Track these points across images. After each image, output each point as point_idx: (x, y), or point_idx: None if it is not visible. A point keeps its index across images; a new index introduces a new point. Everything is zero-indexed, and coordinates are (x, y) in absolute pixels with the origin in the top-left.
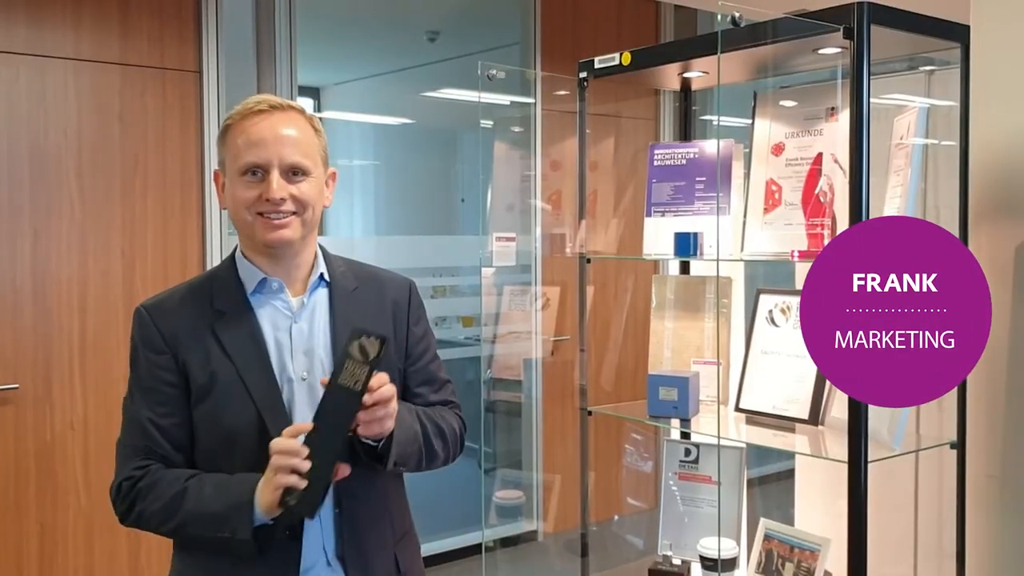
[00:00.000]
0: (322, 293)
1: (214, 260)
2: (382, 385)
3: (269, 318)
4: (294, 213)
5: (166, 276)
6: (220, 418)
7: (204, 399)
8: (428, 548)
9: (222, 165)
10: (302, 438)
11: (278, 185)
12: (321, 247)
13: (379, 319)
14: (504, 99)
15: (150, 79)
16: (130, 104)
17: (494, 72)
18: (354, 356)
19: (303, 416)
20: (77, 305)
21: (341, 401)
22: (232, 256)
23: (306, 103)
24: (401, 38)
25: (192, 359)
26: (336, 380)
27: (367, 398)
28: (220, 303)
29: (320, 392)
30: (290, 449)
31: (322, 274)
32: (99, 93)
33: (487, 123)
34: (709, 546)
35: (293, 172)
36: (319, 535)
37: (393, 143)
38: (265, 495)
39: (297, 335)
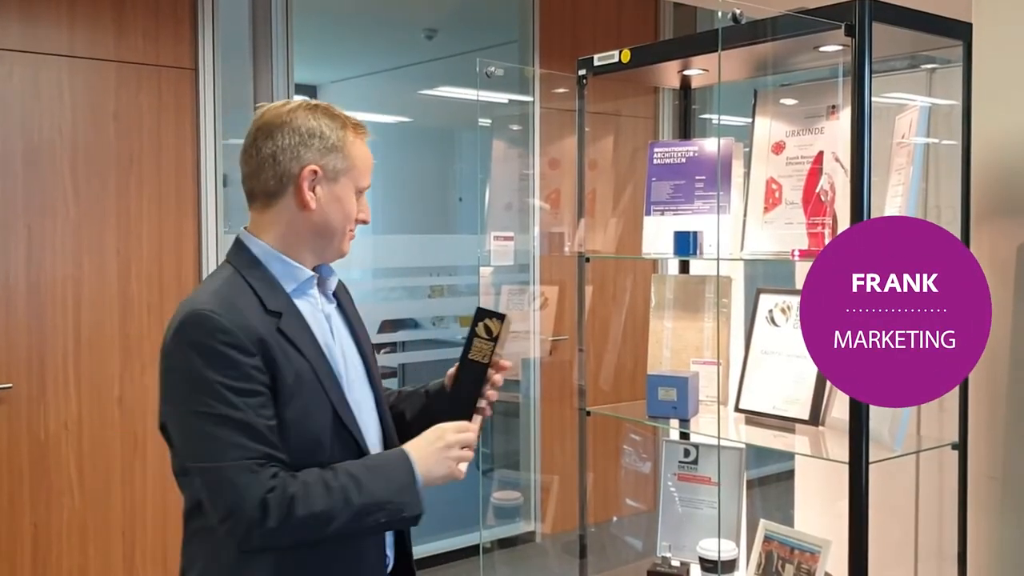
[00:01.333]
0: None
1: (209, 258)
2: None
3: (311, 316)
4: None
5: (161, 275)
6: (308, 417)
7: (292, 400)
8: (425, 549)
9: (331, 171)
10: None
11: (366, 209)
12: None
13: (355, 308)
14: (502, 97)
15: (145, 77)
16: (125, 102)
17: (493, 70)
18: (480, 335)
19: (354, 405)
20: (71, 304)
21: (472, 375)
22: (250, 255)
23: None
24: (398, 36)
25: (278, 361)
26: (467, 357)
27: (491, 373)
28: (271, 304)
29: (360, 384)
30: (466, 427)
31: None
32: (94, 90)
33: (485, 121)
34: (709, 548)
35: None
36: None
37: (390, 142)
38: (439, 471)
39: (335, 331)
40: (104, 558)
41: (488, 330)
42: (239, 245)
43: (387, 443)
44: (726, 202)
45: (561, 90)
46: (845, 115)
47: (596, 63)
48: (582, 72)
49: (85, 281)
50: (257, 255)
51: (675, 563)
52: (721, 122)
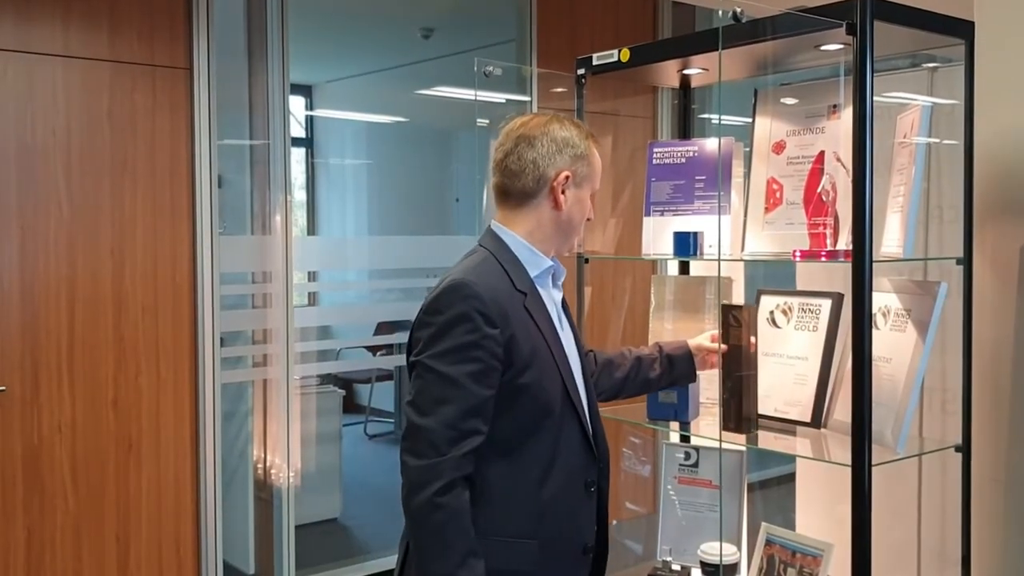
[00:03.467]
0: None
1: (204, 259)
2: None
3: (548, 300)
4: None
5: (155, 276)
6: (542, 387)
7: (527, 370)
8: None
9: (579, 176)
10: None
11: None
12: None
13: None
14: (500, 97)
15: (140, 76)
16: (119, 102)
17: (491, 69)
18: (732, 324)
19: (572, 382)
20: (65, 305)
21: (733, 357)
22: (500, 242)
23: (298, 101)
24: (395, 35)
25: (518, 334)
26: (728, 342)
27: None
28: (519, 284)
29: (576, 368)
30: None
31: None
32: (88, 90)
33: (483, 121)
34: (710, 551)
35: None
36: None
37: (386, 142)
38: None
39: (563, 317)
40: (98, 562)
41: (737, 319)
42: (492, 234)
43: (594, 431)
44: (726, 202)
45: (559, 89)
46: (846, 114)
47: (595, 62)
48: (581, 71)
49: (79, 282)
50: (508, 243)
51: (676, 567)
52: (721, 121)
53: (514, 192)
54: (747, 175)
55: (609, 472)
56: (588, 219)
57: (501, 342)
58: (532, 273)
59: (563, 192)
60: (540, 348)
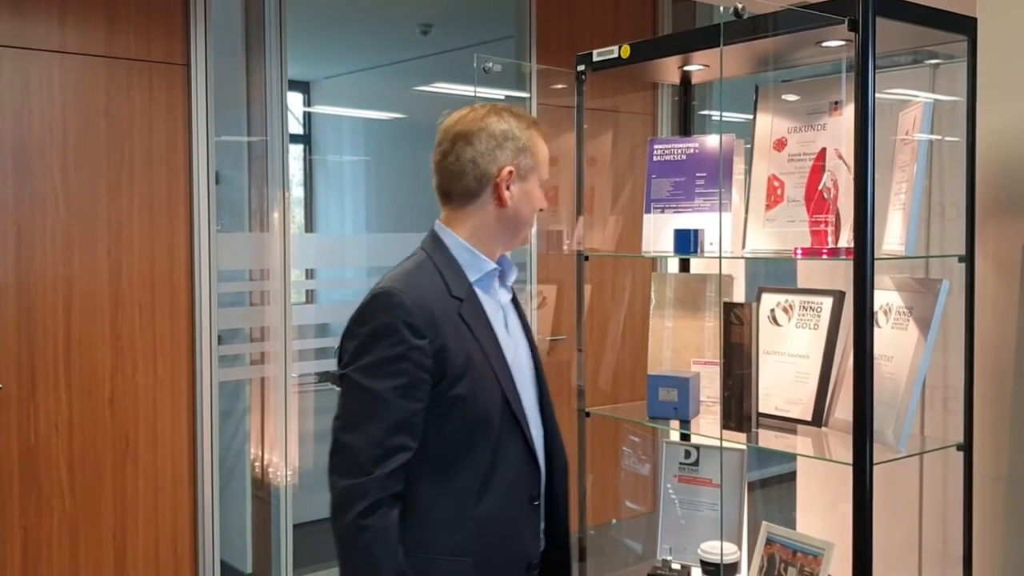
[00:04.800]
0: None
1: (202, 257)
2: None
3: (488, 305)
4: None
5: (152, 274)
6: (476, 399)
7: (460, 381)
8: None
9: (523, 169)
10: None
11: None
12: None
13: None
14: (499, 93)
15: (137, 73)
16: (116, 98)
17: (490, 65)
18: (733, 322)
19: (524, 395)
20: (62, 304)
21: (734, 355)
22: (441, 244)
23: (295, 98)
24: (393, 31)
25: (450, 344)
26: (729, 340)
27: None
28: (455, 289)
29: (528, 375)
30: None
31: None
32: (84, 87)
33: None
34: (710, 550)
35: None
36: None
37: (385, 138)
38: None
39: (510, 322)
40: (95, 561)
41: (739, 317)
42: (433, 236)
43: (548, 438)
44: (727, 199)
45: (559, 86)
46: (848, 111)
47: (595, 58)
48: (581, 68)
49: (75, 280)
50: (448, 245)
51: (676, 566)
52: (722, 118)
53: (456, 193)
54: (748, 172)
55: (565, 481)
56: (540, 209)
57: (430, 353)
58: (472, 277)
59: (507, 188)
60: (476, 357)
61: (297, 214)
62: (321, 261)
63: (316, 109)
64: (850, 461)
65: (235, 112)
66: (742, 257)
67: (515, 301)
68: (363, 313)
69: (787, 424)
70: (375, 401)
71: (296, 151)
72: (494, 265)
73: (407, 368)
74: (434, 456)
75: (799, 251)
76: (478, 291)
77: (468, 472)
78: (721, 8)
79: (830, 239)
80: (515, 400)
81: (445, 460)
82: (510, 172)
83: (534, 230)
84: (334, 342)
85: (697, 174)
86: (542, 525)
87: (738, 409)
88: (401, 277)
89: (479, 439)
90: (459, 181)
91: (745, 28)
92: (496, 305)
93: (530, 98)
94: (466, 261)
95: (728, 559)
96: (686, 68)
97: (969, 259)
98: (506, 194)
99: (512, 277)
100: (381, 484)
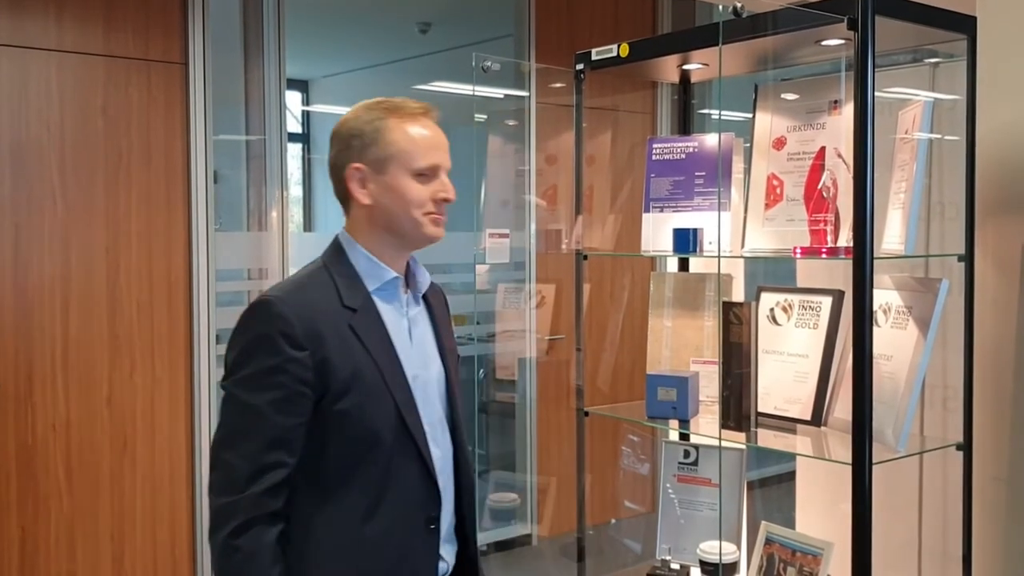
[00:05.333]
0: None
1: (200, 256)
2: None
3: (390, 316)
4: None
5: (151, 273)
6: (363, 415)
7: (344, 396)
8: None
9: (374, 163)
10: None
11: (447, 185)
12: None
13: (448, 319)
14: (498, 92)
15: (135, 71)
16: (114, 97)
17: (489, 64)
18: (732, 321)
19: (422, 411)
20: (59, 303)
21: (733, 354)
22: (340, 252)
23: (294, 96)
24: (391, 30)
25: (334, 357)
26: (728, 340)
27: None
28: (348, 299)
29: (434, 390)
30: None
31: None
32: (82, 86)
33: (481, 117)
34: (710, 550)
35: (447, 174)
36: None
37: None
38: None
39: (414, 333)
40: (93, 562)
41: (738, 317)
42: (334, 244)
43: (457, 458)
44: (726, 198)
45: (558, 85)
46: (847, 110)
47: (594, 57)
48: (579, 66)
49: (73, 280)
50: (348, 254)
51: (675, 566)
52: (721, 117)
53: (338, 199)
54: (747, 171)
55: (471, 504)
56: (445, 200)
57: (310, 365)
58: (372, 286)
59: (363, 186)
60: (365, 371)
61: (295, 213)
62: None
63: (314, 108)
64: (849, 461)
65: (233, 111)
66: (741, 256)
67: (431, 311)
68: (242, 323)
69: (786, 424)
70: (251, 415)
71: (294, 150)
72: (394, 274)
73: (284, 381)
74: (321, 474)
75: (798, 250)
76: (378, 301)
77: (357, 492)
78: (720, 7)
79: (829, 238)
80: (412, 417)
81: (332, 479)
82: (356, 169)
83: (536, 229)
84: None
85: (696, 173)
86: (449, 548)
87: (737, 408)
88: (287, 285)
89: (368, 457)
90: (334, 187)
91: (744, 27)
92: (400, 316)
93: (529, 97)
94: (365, 269)
95: (727, 559)
96: (685, 67)
97: (969, 258)
98: (360, 193)
99: (424, 286)
100: (254, 502)
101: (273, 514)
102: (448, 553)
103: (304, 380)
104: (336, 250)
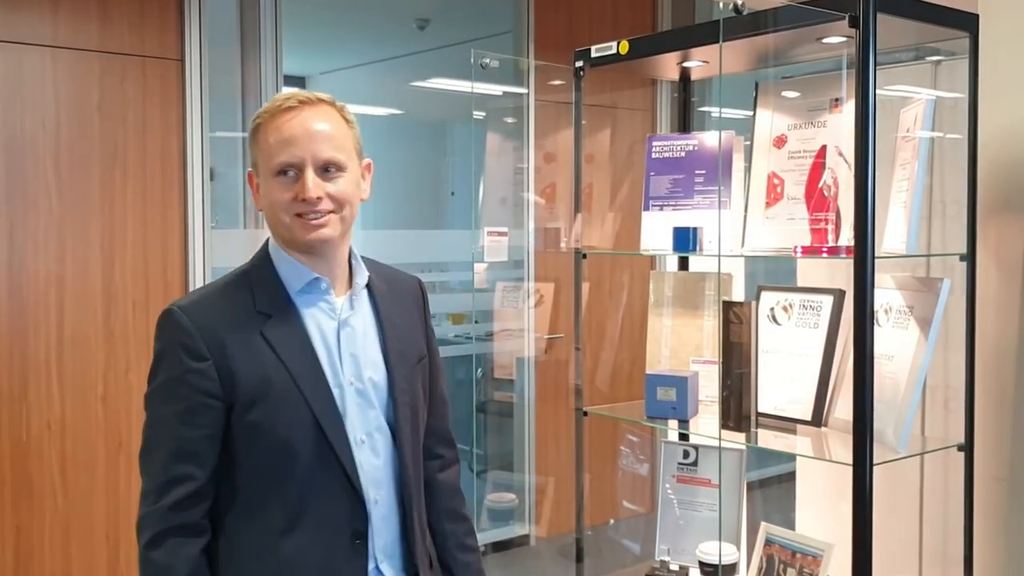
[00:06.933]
0: (365, 294)
1: (196, 254)
2: None
3: (316, 320)
4: (332, 211)
5: (147, 270)
6: (275, 427)
7: (253, 408)
8: None
9: (255, 166)
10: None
11: (313, 184)
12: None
13: (409, 319)
14: (497, 89)
15: (130, 67)
16: (110, 93)
17: (488, 61)
18: (732, 321)
19: (352, 421)
20: (54, 301)
21: (733, 354)
22: (266, 253)
23: None
24: (390, 26)
25: (239, 366)
26: (728, 339)
27: None
28: (263, 305)
29: (372, 396)
30: None
31: (368, 278)
32: (78, 81)
33: (479, 114)
34: (709, 551)
35: (326, 169)
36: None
37: (381, 134)
38: None
39: (346, 339)
40: (87, 561)
41: (738, 316)
42: (261, 248)
43: (400, 471)
44: (727, 197)
45: (557, 82)
46: (849, 108)
47: (593, 54)
48: (579, 64)
49: (68, 277)
50: (272, 256)
51: (674, 567)
52: (721, 115)
53: None
54: (748, 169)
55: (417, 528)
56: (303, 199)
57: (214, 376)
58: (293, 289)
59: (256, 192)
60: (276, 380)
61: None
62: None
63: None
64: (850, 461)
65: (230, 107)
66: (741, 255)
67: (379, 313)
68: (155, 333)
69: (786, 424)
70: (159, 427)
71: None
72: (314, 275)
73: (186, 393)
74: (239, 488)
75: (799, 249)
76: (301, 305)
77: (277, 506)
78: (721, 4)
79: (830, 237)
80: (333, 427)
81: (253, 492)
82: (249, 175)
83: (534, 227)
84: None
85: (696, 171)
86: (392, 567)
87: (737, 408)
88: (196, 293)
89: (285, 470)
90: None
91: (745, 24)
92: (330, 319)
93: (528, 94)
94: (286, 273)
95: (727, 560)
96: (685, 64)
97: (970, 257)
98: (255, 198)
99: (359, 287)
100: (163, 515)
101: (188, 527)
102: (392, 572)
103: (207, 391)
104: (261, 254)
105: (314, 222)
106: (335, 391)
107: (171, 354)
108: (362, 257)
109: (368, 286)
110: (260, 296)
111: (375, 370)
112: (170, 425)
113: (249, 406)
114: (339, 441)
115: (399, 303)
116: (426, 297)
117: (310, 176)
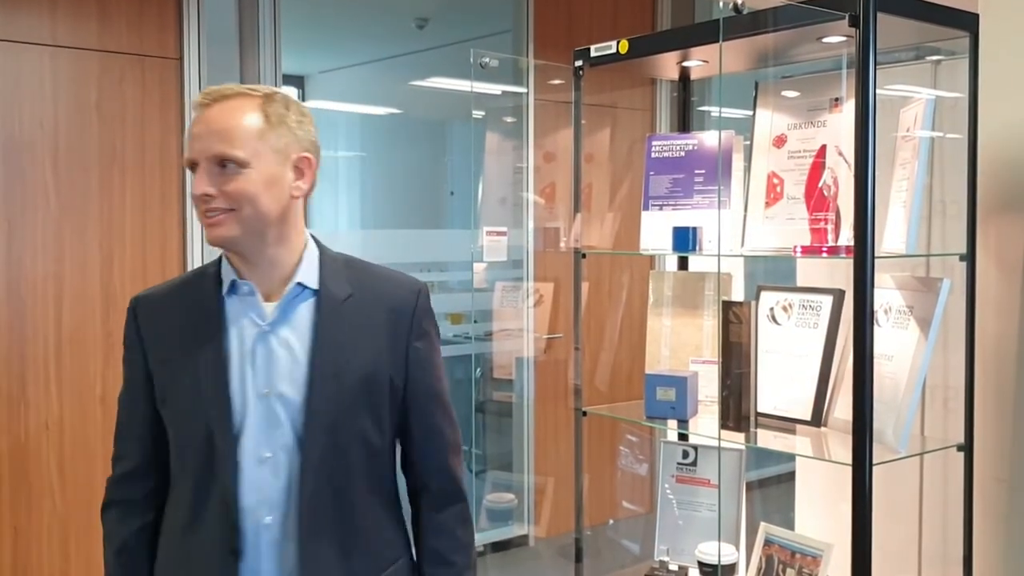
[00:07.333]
0: (307, 303)
1: (194, 253)
2: None
3: (239, 325)
4: (229, 210)
5: (145, 270)
6: (178, 428)
7: (164, 405)
8: None
9: None
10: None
11: (200, 181)
12: (320, 245)
13: (370, 334)
14: (496, 88)
15: (129, 66)
16: (108, 92)
17: (487, 60)
18: (731, 321)
19: (255, 435)
20: (52, 301)
21: (732, 354)
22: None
23: (290, 92)
24: (389, 25)
25: (156, 363)
26: (728, 339)
27: None
28: (196, 303)
29: (281, 412)
30: None
31: (301, 282)
32: (76, 81)
33: (479, 113)
34: (708, 551)
35: (223, 165)
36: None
37: (380, 134)
38: None
39: (264, 348)
40: (85, 561)
41: (738, 316)
42: None
43: (300, 497)
44: (726, 197)
45: (556, 81)
46: (849, 108)
47: (593, 54)
48: (578, 63)
49: (67, 277)
50: (224, 254)
51: (673, 567)
52: (721, 115)
53: None
54: (747, 169)
55: (306, 547)
56: (194, 196)
57: (142, 365)
58: (223, 291)
59: None
60: (184, 381)
61: None
62: None
63: (310, 104)
64: (849, 461)
65: None
66: (741, 255)
67: (318, 325)
68: None
69: (786, 424)
70: (119, 405)
71: None
72: (233, 278)
73: (128, 375)
74: (171, 476)
75: (799, 249)
76: (228, 309)
77: (183, 503)
78: (721, 3)
79: (830, 237)
80: (223, 439)
81: (173, 483)
82: None
83: (534, 227)
84: None
85: (696, 171)
86: None
87: (736, 408)
88: (160, 284)
89: (183, 470)
90: None
91: (745, 23)
92: (252, 327)
93: (527, 93)
94: (224, 269)
95: (726, 560)
96: (685, 64)
97: (970, 257)
98: None
99: (289, 296)
100: (110, 487)
101: (127, 503)
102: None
103: (139, 379)
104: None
105: (208, 221)
106: (236, 402)
107: (125, 337)
108: (349, 259)
109: (320, 293)
110: (197, 294)
111: (291, 385)
112: (121, 404)
113: (161, 402)
114: (225, 454)
115: (364, 316)
116: (420, 314)
117: (200, 173)
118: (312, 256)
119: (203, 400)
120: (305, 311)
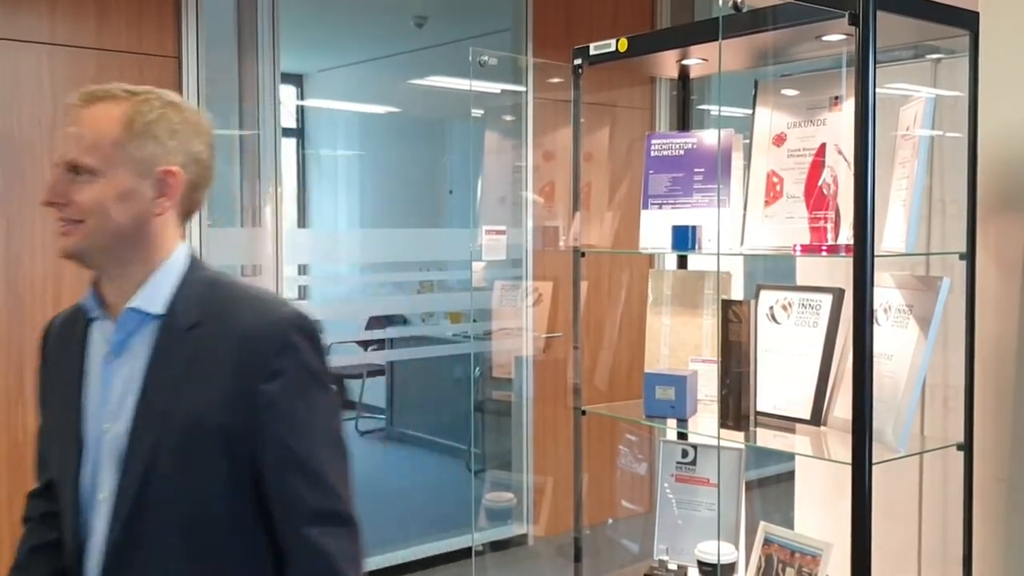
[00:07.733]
0: (150, 328)
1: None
2: None
3: (95, 349)
4: (76, 221)
5: None
6: (51, 451)
7: (44, 430)
8: (416, 552)
9: None
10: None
11: (50, 187)
12: (192, 265)
13: (207, 371)
14: (495, 87)
15: (127, 65)
16: None
17: (486, 59)
18: (731, 319)
19: (103, 479)
20: (51, 299)
21: (732, 353)
22: None
23: (288, 91)
24: (387, 24)
25: (42, 383)
26: (728, 338)
27: None
28: (75, 328)
29: (111, 451)
30: None
31: (135, 307)
32: (75, 79)
33: (478, 112)
34: (708, 551)
35: (77, 172)
36: None
37: (379, 132)
38: None
39: (108, 376)
40: None
41: (736, 315)
42: None
43: (106, 549)
44: (726, 195)
45: (555, 80)
46: (848, 106)
47: (592, 52)
48: (578, 61)
49: (65, 275)
50: None
51: (672, 566)
52: (721, 113)
53: None
54: (747, 168)
55: None
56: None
57: (40, 381)
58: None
59: None
60: (51, 407)
61: (290, 209)
62: (314, 257)
63: (309, 102)
64: (849, 461)
65: (227, 105)
66: (740, 254)
67: (153, 357)
68: None
69: (786, 423)
70: None
71: (289, 145)
72: (82, 297)
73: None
74: None
75: (798, 248)
76: (92, 335)
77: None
78: (720, 1)
79: (830, 236)
80: (63, 478)
81: None
82: None
83: (533, 226)
84: (327, 339)
85: (695, 170)
86: None
87: (736, 408)
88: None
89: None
90: None
91: (744, 22)
92: (103, 349)
93: (526, 92)
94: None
95: (725, 559)
96: (684, 62)
97: (970, 256)
98: None
99: (123, 320)
100: (25, 502)
101: (30, 520)
102: None
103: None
104: None
105: (58, 230)
106: (91, 438)
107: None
108: (217, 282)
109: (163, 319)
110: (77, 318)
111: (119, 422)
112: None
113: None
114: (68, 494)
115: (206, 349)
116: (278, 349)
117: (53, 178)
118: (168, 277)
119: (59, 438)
120: (144, 339)
